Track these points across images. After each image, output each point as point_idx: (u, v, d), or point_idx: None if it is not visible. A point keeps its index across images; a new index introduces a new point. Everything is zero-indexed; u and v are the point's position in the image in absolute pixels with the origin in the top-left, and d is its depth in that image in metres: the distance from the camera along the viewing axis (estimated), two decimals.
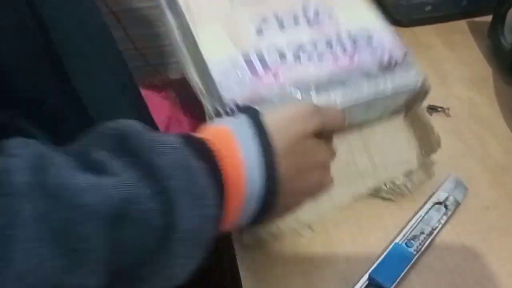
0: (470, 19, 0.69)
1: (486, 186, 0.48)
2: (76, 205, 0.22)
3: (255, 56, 0.40)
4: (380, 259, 0.40)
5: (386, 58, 0.42)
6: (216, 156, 0.29)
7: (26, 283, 0.21)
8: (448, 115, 0.55)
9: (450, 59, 0.63)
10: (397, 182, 0.45)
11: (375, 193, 0.46)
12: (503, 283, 0.40)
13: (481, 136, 0.52)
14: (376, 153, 0.45)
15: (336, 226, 0.44)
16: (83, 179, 0.23)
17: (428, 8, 0.66)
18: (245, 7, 0.45)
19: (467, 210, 0.46)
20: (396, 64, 0.42)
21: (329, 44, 0.43)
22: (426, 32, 0.68)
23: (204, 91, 0.40)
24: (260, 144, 0.31)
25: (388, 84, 0.41)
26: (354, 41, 0.43)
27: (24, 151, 0.23)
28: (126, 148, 0.26)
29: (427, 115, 0.45)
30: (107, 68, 0.49)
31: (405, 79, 0.42)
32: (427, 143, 0.46)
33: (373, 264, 0.40)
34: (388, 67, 0.42)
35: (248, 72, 0.39)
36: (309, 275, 0.41)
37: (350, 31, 0.44)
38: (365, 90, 0.41)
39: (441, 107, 0.55)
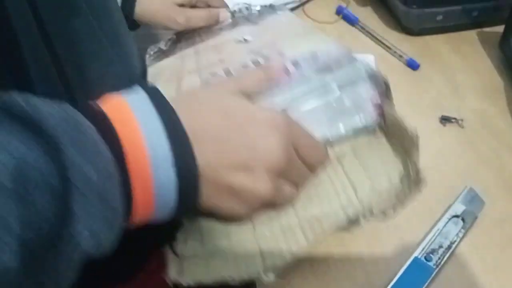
0: (480, 29, 0.69)
1: (502, 198, 0.48)
2: None
3: None
4: (400, 274, 0.40)
5: (324, 61, 0.40)
6: (109, 120, 0.27)
7: None
8: (461, 126, 0.54)
9: (462, 69, 0.63)
10: (374, 211, 0.36)
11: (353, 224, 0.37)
12: None
13: (496, 148, 0.52)
14: (353, 173, 0.38)
15: (353, 239, 0.44)
16: None
17: (439, 17, 0.66)
18: (197, 65, 0.48)
19: (483, 223, 0.45)
20: (337, 62, 0.39)
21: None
22: (437, 42, 0.68)
23: None
24: (156, 107, 0.29)
25: (333, 82, 0.38)
26: (297, 62, 0.41)
27: None
28: (12, 113, 0.24)
29: (400, 115, 0.38)
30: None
31: (349, 73, 0.39)
32: (406, 147, 0.39)
33: (392, 278, 0.40)
34: (329, 67, 0.39)
35: None
36: None
37: (295, 56, 0.42)
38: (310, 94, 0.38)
39: (455, 118, 0.55)
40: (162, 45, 0.59)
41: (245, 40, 0.52)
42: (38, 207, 0.23)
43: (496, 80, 0.61)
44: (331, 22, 0.71)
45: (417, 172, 0.36)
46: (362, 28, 0.70)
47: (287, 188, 0.34)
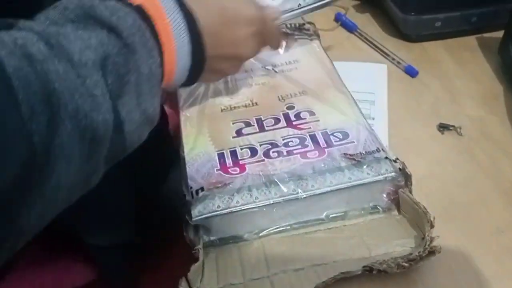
0: (479, 35, 0.68)
1: (500, 207, 0.47)
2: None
3: (228, 152, 0.46)
4: None
5: (355, 152, 0.44)
6: (151, 18, 0.36)
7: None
8: (460, 134, 0.54)
9: (460, 76, 0.62)
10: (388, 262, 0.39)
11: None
12: None
13: (494, 156, 0.52)
14: (369, 240, 0.42)
15: None
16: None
17: (438, 23, 0.66)
18: (232, 114, 0.52)
19: (480, 232, 0.45)
20: (364, 157, 0.44)
21: (302, 141, 0.47)
22: (436, 48, 0.67)
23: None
24: (181, 10, 0.39)
25: (355, 175, 0.43)
26: (328, 138, 0.46)
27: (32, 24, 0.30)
28: (91, 16, 0.32)
29: (415, 201, 0.42)
30: None
31: (375, 170, 0.43)
32: (420, 223, 0.42)
33: None
34: (358, 160, 0.44)
35: (218, 164, 0.45)
36: None
37: (327, 128, 0.47)
38: (330, 181, 0.43)
39: (453, 126, 0.54)
40: None
41: (267, 81, 0.56)
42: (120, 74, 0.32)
43: (495, 86, 0.61)
44: (330, 29, 0.70)
45: (430, 243, 0.39)
46: (361, 35, 0.70)
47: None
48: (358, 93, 0.59)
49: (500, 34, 0.63)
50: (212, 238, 0.43)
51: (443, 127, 0.54)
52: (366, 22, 0.73)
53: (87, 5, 0.32)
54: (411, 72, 0.63)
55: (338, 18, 0.73)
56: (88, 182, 0.31)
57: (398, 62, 0.64)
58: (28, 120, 0.24)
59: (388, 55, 0.66)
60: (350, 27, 0.71)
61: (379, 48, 0.67)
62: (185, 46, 0.39)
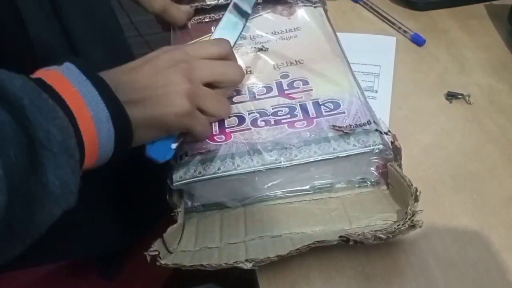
0: (488, 3, 0.66)
1: (509, 177, 0.46)
2: None
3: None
4: None
5: (344, 123, 0.43)
6: (53, 87, 0.32)
7: None
8: (468, 102, 0.53)
9: (469, 45, 0.61)
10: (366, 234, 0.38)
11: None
12: None
13: (503, 125, 0.50)
14: (352, 212, 0.42)
15: None
16: None
17: None
18: None
19: (490, 201, 0.44)
20: (354, 129, 0.42)
21: (291, 110, 0.45)
22: (443, 17, 0.65)
23: None
24: (86, 72, 0.34)
25: (341, 146, 0.41)
26: (319, 108, 0.45)
27: None
28: None
29: (400, 170, 0.41)
30: (112, 53, 0.49)
31: (362, 142, 0.42)
32: (405, 197, 0.40)
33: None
34: (346, 132, 0.42)
35: None
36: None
37: (319, 98, 0.46)
38: (314, 151, 0.41)
39: (461, 94, 0.53)
40: None
41: (265, 48, 0.53)
42: (12, 158, 0.26)
43: (504, 54, 0.59)
44: None
45: (412, 217, 0.37)
46: (366, 4, 0.68)
47: (199, 114, 0.41)
48: (363, 65, 0.58)
49: (510, 1, 0.61)
50: (195, 204, 0.43)
51: (451, 96, 0.53)
52: None
53: None
54: (418, 41, 0.61)
55: None
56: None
57: (405, 31, 0.62)
58: None
59: (394, 24, 0.64)
60: None
61: (385, 18, 0.65)
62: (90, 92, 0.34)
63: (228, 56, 0.45)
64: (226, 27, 0.53)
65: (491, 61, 0.58)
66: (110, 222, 0.56)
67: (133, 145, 0.38)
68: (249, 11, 0.56)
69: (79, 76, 0.34)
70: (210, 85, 0.42)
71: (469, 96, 0.53)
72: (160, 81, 0.39)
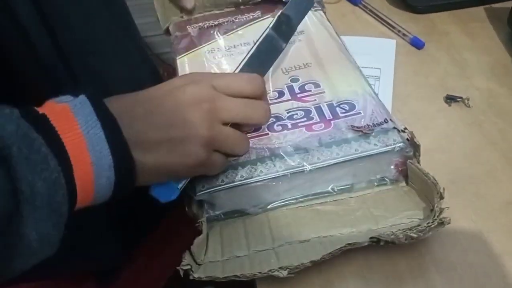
0: (488, 6, 0.66)
1: (509, 180, 0.46)
2: None
3: None
4: None
5: (362, 123, 0.43)
6: (55, 129, 0.30)
7: None
8: (467, 106, 0.52)
9: (469, 48, 0.61)
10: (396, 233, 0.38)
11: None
12: None
13: (502, 128, 0.50)
14: (376, 212, 0.42)
15: None
16: None
17: None
18: None
19: (489, 205, 0.44)
20: (372, 129, 0.43)
21: (307, 113, 0.45)
22: (443, 20, 0.65)
23: None
24: (100, 111, 0.32)
25: (362, 146, 0.42)
26: (334, 110, 0.45)
27: None
28: None
29: (421, 167, 0.41)
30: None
31: (383, 141, 0.42)
32: (429, 195, 0.41)
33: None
34: (365, 132, 0.42)
35: None
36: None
37: (332, 100, 0.46)
38: (336, 153, 0.42)
39: (460, 97, 0.53)
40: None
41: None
42: None
43: (504, 58, 0.59)
44: (334, 2, 0.69)
45: (440, 215, 0.37)
46: (365, 7, 0.68)
47: (216, 156, 0.38)
48: (364, 68, 0.57)
49: (510, 4, 0.61)
50: (216, 212, 0.43)
51: (450, 99, 0.53)
52: None
53: None
54: (417, 44, 0.61)
55: None
56: None
57: (404, 35, 0.62)
58: None
59: (393, 28, 0.64)
60: (354, 0, 0.69)
61: (385, 21, 0.65)
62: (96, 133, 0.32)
63: (259, 96, 0.42)
64: (263, 50, 0.46)
65: (491, 64, 0.58)
66: (105, 242, 0.55)
67: (136, 186, 0.36)
68: (295, 29, 0.50)
69: (90, 115, 0.32)
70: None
71: (468, 100, 0.53)
72: (179, 121, 0.35)
